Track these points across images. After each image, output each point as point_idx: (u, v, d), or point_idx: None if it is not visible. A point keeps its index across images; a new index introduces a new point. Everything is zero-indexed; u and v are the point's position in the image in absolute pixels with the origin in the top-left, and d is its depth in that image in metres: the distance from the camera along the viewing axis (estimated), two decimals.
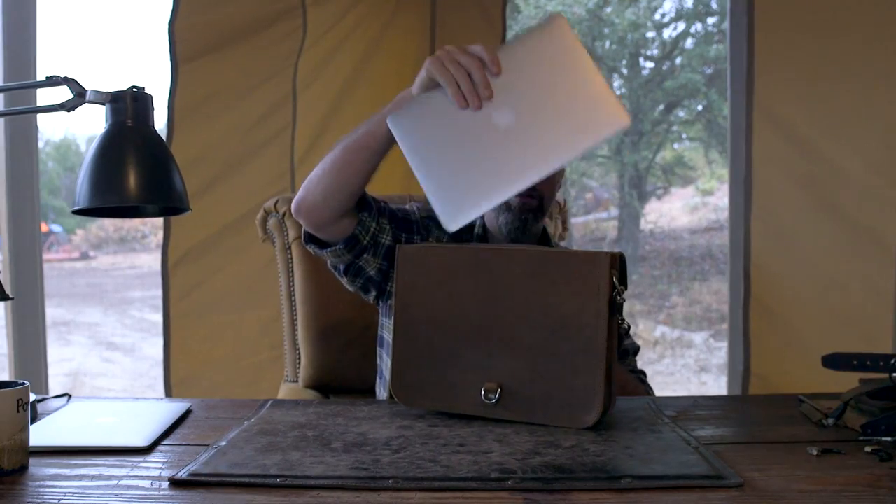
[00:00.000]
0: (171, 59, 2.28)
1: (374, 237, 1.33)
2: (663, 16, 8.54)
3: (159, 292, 2.38)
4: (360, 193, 1.29)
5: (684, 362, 6.36)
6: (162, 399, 1.25)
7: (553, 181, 1.43)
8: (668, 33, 8.53)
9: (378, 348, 1.51)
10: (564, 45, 1.04)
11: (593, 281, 0.99)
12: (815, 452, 0.88)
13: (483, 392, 1.01)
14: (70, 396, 1.21)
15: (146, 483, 0.79)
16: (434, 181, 1.04)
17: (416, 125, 1.08)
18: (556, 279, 1.01)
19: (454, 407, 1.04)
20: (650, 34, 8.42)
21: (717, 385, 5.74)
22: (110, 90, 0.94)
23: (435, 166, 1.05)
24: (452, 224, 1.02)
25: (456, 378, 1.04)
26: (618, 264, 1.01)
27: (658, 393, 1.42)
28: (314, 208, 1.29)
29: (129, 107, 0.94)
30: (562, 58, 1.04)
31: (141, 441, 0.93)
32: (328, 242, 1.33)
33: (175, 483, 0.79)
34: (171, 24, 2.26)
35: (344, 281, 1.39)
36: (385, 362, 1.46)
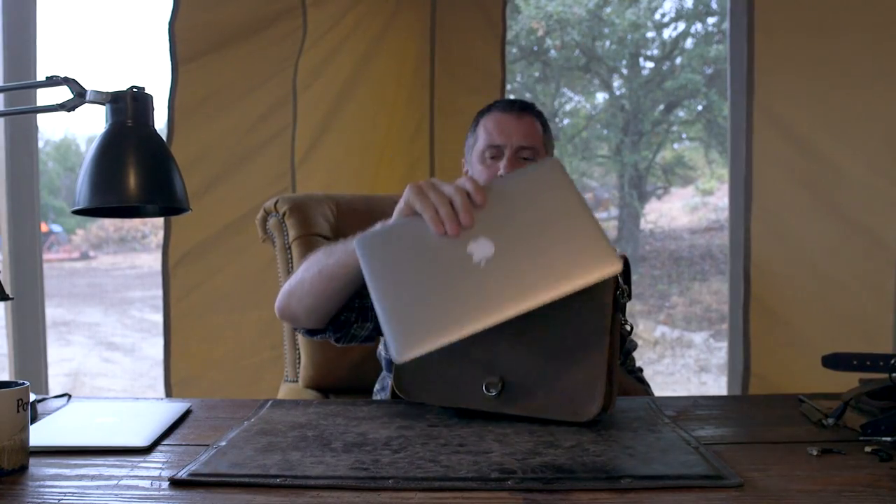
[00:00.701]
0: (172, 59, 2.28)
1: (360, 308, 1.29)
2: (663, 16, 8.54)
3: (159, 292, 2.38)
4: (338, 308, 1.25)
5: (684, 362, 6.36)
6: (162, 399, 1.25)
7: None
8: (668, 33, 8.53)
9: (385, 371, 1.50)
10: (557, 184, 0.96)
11: None
12: (815, 452, 0.88)
13: (484, 386, 1.01)
14: (70, 396, 1.21)
15: (146, 483, 0.79)
16: (390, 306, 0.92)
17: (383, 248, 0.99)
18: None
19: (455, 401, 1.04)
20: (650, 34, 8.43)
21: (717, 385, 5.74)
22: (110, 90, 0.94)
23: (394, 292, 0.93)
24: (402, 355, 0.86)
25: (458, 372, 1.04)
26: (622, 264, 1.01)
27: (658, 393, 1.42)
28: (296, 319, 1.28)
29: (129, 107, 0.94)
30: (552, 196, 0.95)
31: (141, 441, 0.93)
32: (316, 329, 1.32)
33: (175, 483, 0.79)
34: (171, 23, 2.26)
35: (338, 345, 1.36)
36: (388, 378, 1.44)
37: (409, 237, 0.98)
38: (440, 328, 0.87)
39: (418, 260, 0.95)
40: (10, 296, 0.91)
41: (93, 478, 0.81)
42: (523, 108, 1.47)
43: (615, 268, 0.86)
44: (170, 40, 2.27)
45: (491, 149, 1.43)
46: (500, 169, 1.40)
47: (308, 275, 1.22)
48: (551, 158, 1.01)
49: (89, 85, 0.94)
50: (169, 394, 2.38)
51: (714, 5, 8.15)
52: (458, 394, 1.04)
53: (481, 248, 0.91)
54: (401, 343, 0.87)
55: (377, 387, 1.52)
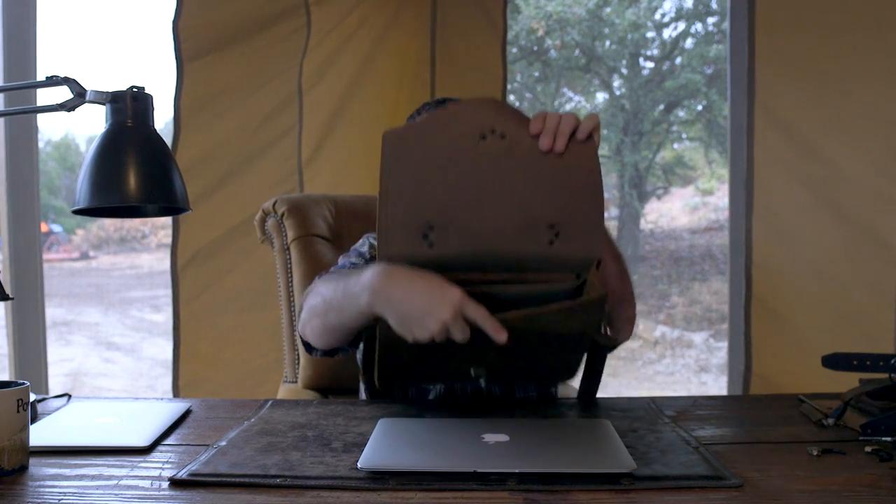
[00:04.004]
0: (176, 58, 2.27)
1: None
2: (663, 16, 8.54)
3: (159, 292, 2.39)
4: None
5: (684, 362, 6.36)
6: (162, 399, 1.25)
7: None
8: (668, 33, 8.53)
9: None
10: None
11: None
12: (815, 452, 0.88)
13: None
14: (70, 396, 1.21)
15: (146, 483, 0.79)
16: (385, 432, 0.95)
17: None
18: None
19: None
20: (650, 34, 8.42)
21: (717, 385, 5.74)
22: (110, 90, 0.94)
23: (395, 430, 0.96)
24: (365, 462, 0.83)
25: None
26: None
27: (658, 393, 1.42)
28: (323, 344, 1.21)
29: (129, 107, 0.94)
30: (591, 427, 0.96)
31: (141, 441, 0.93)
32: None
33: (175, 483, 0.79)
34: (175, 22, 2.26)
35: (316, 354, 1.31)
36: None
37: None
38: (412, 456, 0.86)
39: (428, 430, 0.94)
40: (10, 296, 0.91)
41: (93, 478, 0.81)
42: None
43: (629, 466, 0.81)
44: (174, 39, 2.27)
45: None
46: None
47: (323, 307, 1.15)
48: (606, 422, 0.98)
49: (89, 85, 0.94)
50: (177, 395, 2.37)
51: (714, 5, 8.15)
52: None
53: (496, 438, 0.90)
54: (369, 456, 0.85)
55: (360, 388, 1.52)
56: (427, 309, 0.91)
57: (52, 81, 0.95)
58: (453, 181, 0.98)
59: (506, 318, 0.90)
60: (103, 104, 0.95)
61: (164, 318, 7.03)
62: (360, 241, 1.46)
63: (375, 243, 1.38)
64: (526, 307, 0.94)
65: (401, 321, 0.94)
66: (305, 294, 1.26)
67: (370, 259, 1.37)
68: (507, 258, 0.97)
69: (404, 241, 0.96)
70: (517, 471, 0.79)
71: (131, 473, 0.83)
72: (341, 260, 1.41)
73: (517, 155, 0.99)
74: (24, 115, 1.97)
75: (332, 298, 1.11)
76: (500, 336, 0.89)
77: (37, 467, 0.84)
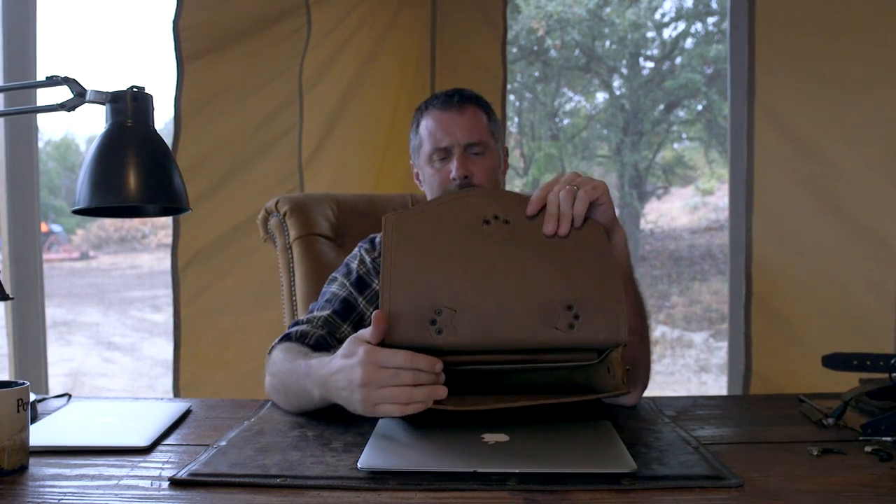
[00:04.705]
0: (177, 58, 2.27)
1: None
2: (663, 16, 8.53)
3: (159, 292, 2.39)
4: None
5: (684, 362, 6.36)
6: (162, 399, 1.25)
7: (489, 167, 1.35)
8: (668, 33, 8.52)
9: None
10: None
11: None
12: (815, 452, 0.88)
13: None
14: (70, 396, 1.21)
15: (146, 483, 0.79)
16: (385, 432, 0.94)
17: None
18: None
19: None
20: (650, 34, 8.41)
21: (717, 385, 5.74)
22: (110, 90, 0.94)
23: (396, 430, 0.94)
24: (365, 462, 0.83)
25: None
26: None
27: (658, 393, 1.41)
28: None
29: (129, 107, 0.94)
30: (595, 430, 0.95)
31: (141, 441, 0.93)
32: None
33: (175, 483, 0.79)
34: (175, 22, 2.26)
35: None
36: None
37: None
38: (413, 456, 0.86)
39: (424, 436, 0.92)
40: (11, 296, 0.91)
41: (93, 478, 0.81)
42: (463, 101, 1.37)
43: (630, 467, 0.81)
44: (174, 39, 2.26)
45: (438, 151, 1.35)
46: (451, 171, 1.32)
47: (283, 396, 1.13)
48: (606, 422, 0.97)
49: (89, 85, 0.94)
50: (177, 395, 2.37)
51: (714, 5, 8.14)
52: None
53: (497, 437, 0.91)
54: (370, 456, 0.85)
55: None
56: (346, 380, 0.91)
57: (52, 81, 0.95)
58: (460, 264, 0.96)
59: (518, 405, 0.90)
60: (103, 104, 0.95)
61: (164, 318, 7.03)
62: (355, 250, 1.43)
63: (368, 257, 1.38)
64: (540, 380, 0.94)
65: (345, 405, 0.94)
66: (269, 355, 1.21)
67: (357, 278, 1.36)
68: (524, 345, 0.94)
69: (410, 328, 0.93)
70: (517, 471, 0.79)
71: (131, 473, 0.83)
72: (325, 286, 1.38)
73: (523, 238, 0.97)
74: (24, 115, 1.97)
75: (288, 384, 1.09)
76: (437, 366, 0.88)
77: (37, 467, 0.84)
